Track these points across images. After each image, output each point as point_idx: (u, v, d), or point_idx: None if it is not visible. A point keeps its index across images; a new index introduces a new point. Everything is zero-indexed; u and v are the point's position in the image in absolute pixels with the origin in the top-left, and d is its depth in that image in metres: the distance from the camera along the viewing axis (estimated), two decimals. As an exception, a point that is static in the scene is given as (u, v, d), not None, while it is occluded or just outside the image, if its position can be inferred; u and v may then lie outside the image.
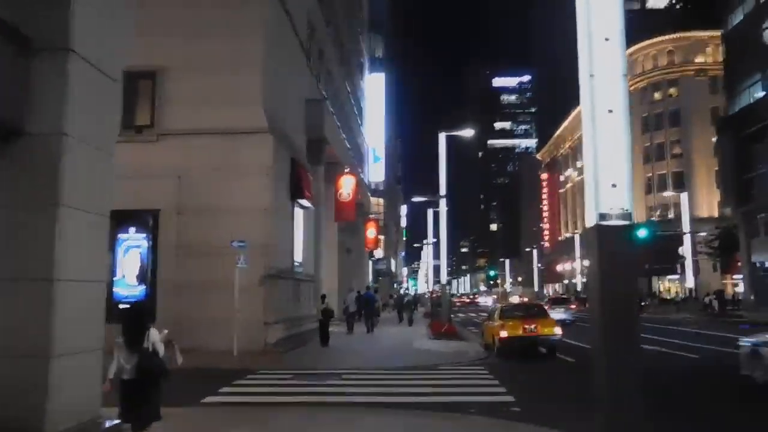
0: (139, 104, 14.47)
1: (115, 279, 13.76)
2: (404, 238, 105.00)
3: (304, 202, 17.29)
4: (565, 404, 8.02)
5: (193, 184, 14.08)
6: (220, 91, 14.26)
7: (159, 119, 14.33)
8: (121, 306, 13.40)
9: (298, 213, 17.35)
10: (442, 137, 21.77)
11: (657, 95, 56.69)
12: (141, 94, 14.48)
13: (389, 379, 10.20)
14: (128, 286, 13.80)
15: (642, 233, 42.33)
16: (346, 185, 23.87)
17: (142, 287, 13.81)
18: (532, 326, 13.59)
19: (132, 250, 13.92)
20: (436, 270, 32.49)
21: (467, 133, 23.65)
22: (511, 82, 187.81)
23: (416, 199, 28.22)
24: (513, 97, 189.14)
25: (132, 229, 14.00)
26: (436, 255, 26.47)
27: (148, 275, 13.80)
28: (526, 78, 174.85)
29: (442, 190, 21.82)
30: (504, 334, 13.53)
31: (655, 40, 57.05)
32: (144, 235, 13.99)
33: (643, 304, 40.42)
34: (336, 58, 28.08)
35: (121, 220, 13.85)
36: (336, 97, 28.12)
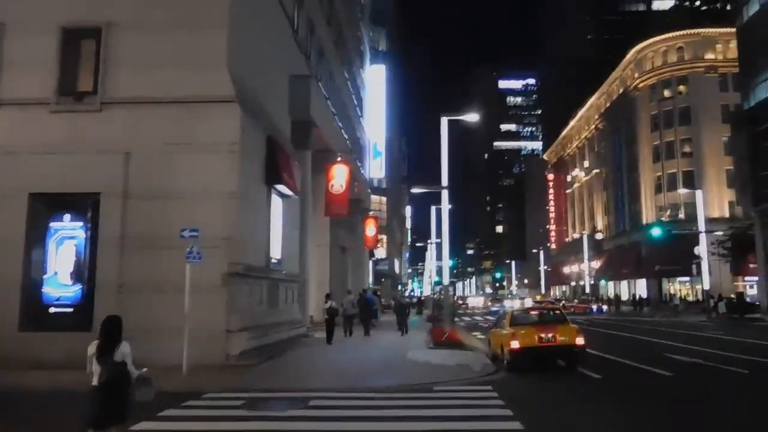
0: (80, 67, 12.21)
1: (45, 277, 11.46)
2: (409, 240, 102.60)
3: (284, 189, 14.93)
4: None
5: (142, 163, 11.78)
6: (177, 51, 11.98)
7: (103, 85, 12.03)
8: (52, 310, 11.12)
9: (276, 202, 15.00)
10: (444, 121, 19.38)
11: (666, 92, 54.47)
12: (83, 56, 12.22)
13: (368, 407, 7.81)
14: (61, 285, 11.49)
15: (656, 232, 40.17)
16: (339, 175, 21.49)
17: (78, 287, 11.49)
18: (549, 334, 11.16)
19: (66, 241, 11.62)
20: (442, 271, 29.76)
21: (471, 117, 21.26)
22: (516, 84, 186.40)
23: (416, 189, 25.89)
24: (519, 99, 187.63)
25: (67, 217, 11.71)
26: (441, 256, 23.88)
27: (84, 272, 11.47)
28: (532, 80, 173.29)
29: (444, 181, 19.42)
30: (515, 344, 11.11)
31: (664, 36, 54.98)
32: (81, 223, 11.68)
33: (676, 304, 37.97)
34: (330, 39, 25.76)
35: (53, 205, 11.63)
36: (330, 81, 25.78)
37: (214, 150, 11.77)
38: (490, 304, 68.89)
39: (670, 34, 55.05)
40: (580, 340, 11.11)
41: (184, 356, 10.00)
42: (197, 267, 10.89)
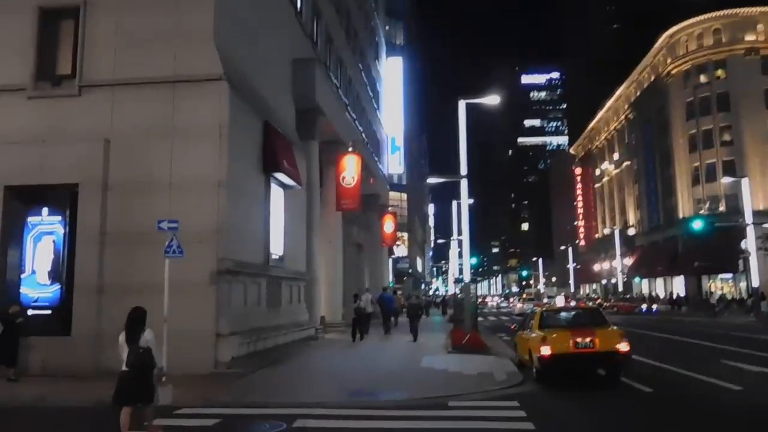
0: (58, 50, 11.22)
1: (23, 276, 10.46)
2: (432, 238, 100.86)
3: (284, 179, 13.67)
4: None
5: (124, 150, 10.70)
6: (161, 27, 10.89)
7: (82, 68, 11.01)
8: (30, 312, 10.11)
9: (277, 193, 13.76)
10: (462, 105, 17.84)
11: (702, 78, 51.25)
12: (61, 38, 11.23)
13: (364, 429, 6.44)
14: (39, 285, 10.49)
15: (697, 225, 37.47)
16: (350, 167, 20.15)
17: (56, 287, 10.46)
18: (587, 339, 9.55)
19: (45, 237, 10.61)
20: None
21: (491, 100, 19.59)
22: (539, 78, 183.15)
23: (432, 180, 24.40)
24: (543, 94, 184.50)
25: (45, 211, 10.70)
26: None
27: (63, 272, 10.44)
28: (555, 74, 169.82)
29: (463, 170, 17.89)
30: (546, 350, 9.54)
31: (699, 18, 51.75)
32: (60, 218, 10.64)
33: (713, 304, 35.33)
34: (341, 27, 24.49)
35: (30, 198, 10.62)
36: (341, 70, 24.53)
37: (201, 134, 10.61)
38: (499, 301, 66.62)
39: (706, 16, 51.83)
40: (624, 346, 9.47)
41: (163, 364, 8.77)
42: (183, 264, 9.72)
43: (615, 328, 10.24)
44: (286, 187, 14.14)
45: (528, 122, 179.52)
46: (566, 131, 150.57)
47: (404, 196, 55.14)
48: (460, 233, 25.27)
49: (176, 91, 10.72)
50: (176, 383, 8.70)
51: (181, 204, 10.33)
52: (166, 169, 10.55)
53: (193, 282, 10.10)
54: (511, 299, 60.75)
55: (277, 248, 13.49)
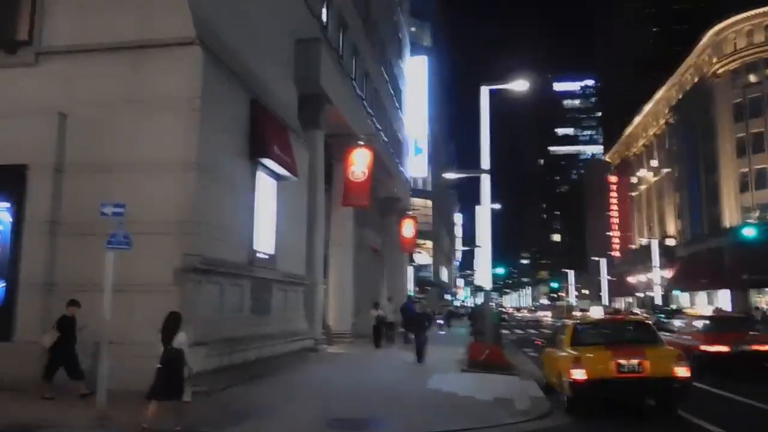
0: (17, 13, 9.90)
1: (-37, 271, 9.08)
2: (460, 249, 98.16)
3: (275, 167, 12.01)
4: None
5: (82, 126, 9.26)
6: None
7: (40, 33, 9.67)
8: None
9: (267, 183, 12.11)
10: (484, 91, 15.96)
11: (753, 77, 47.74)
12: (20, 2, 9.92)
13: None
14: (-19, 281, 9.08)
15: (749, 233, 34.07)
16: (360, 161, 18.42)
17: (1, 284, 9.03)
18: (634, 361, 7.49)
19: (-10, 226, 9.23)
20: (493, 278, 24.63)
21: (518, 86, 17.56)
22: (573, 86, 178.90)
23: (449, 174, 22.42)
24: (576, 102, 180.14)
25: (-8, 196, 9.32)
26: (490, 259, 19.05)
27: (9, 266, 9.02)
28: (590, 81, 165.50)
29: (485, 163, 15.96)
30: (580, 374, 7.52)
31: (749, 13, 48.36)
32: (8, 204, 9.26)
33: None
34: (358, 15, 22.95)
35: (-25, 181, 9.25)
36: (357, 61, 22.94)
37: (170, 107, 9.08)
38: (510, 312, 68.53)
39: (757, 11, 48.36)
40: (682, 371, 7.37)
41: (99, 377, 7.14)
42: (142, 259, 8.23)
43: (669, 347, 8.13)
44: (280, 177, 12.50)
45: (560, 131, 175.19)
46: (600, 140, 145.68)
47: (429, 202, 53.06)
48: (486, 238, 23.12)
49: (143, 57, 9.26)
50: (122, 402, 7.11)
51: (144, 189, 8.83)
52: (130, 148, 9.07)
53: (154, 281, 8.56)
54: (522, 310, 66.55)
55: (266, 246, 11.83)
